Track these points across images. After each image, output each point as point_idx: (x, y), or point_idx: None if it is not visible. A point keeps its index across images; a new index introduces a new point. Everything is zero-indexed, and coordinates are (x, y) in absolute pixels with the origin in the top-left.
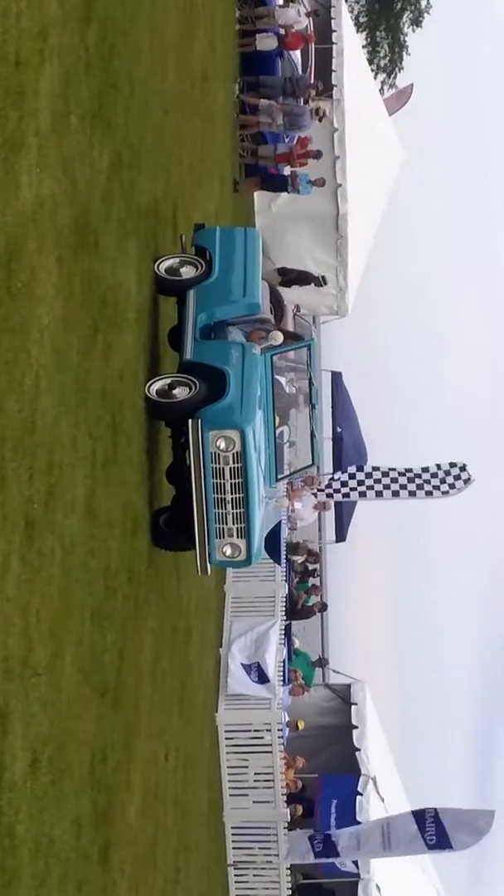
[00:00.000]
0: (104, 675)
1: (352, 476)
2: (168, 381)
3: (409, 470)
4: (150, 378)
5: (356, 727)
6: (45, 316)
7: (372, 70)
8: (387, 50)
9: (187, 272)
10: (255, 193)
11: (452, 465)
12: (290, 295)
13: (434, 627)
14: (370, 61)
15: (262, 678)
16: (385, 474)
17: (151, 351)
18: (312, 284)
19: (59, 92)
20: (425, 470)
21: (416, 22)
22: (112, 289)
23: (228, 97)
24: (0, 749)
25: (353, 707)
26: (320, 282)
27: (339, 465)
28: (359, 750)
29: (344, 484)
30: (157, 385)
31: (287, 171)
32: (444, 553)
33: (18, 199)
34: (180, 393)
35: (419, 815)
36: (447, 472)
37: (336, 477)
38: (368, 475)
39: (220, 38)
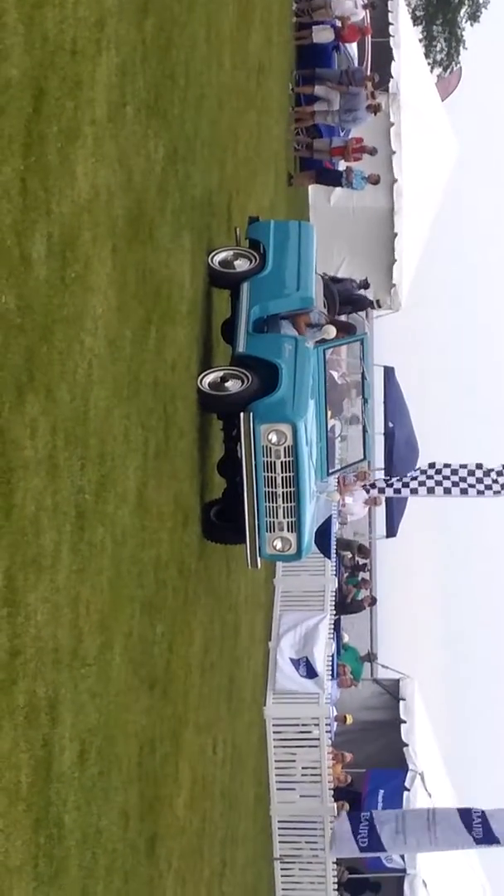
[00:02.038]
0: (153, 667)
1: (404, 477)
2: (220, 373)
3: (464, 466)
4: (202, 370)
5: (404, 722)
6: (99, 306)
7: (428, 64)
8: (443, 44)
9: (241, 265)
10: (310, 187)
11: None
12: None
13: (485, 624)
14: (426, 55)
15: (311, 673)
16: (438, 472)
17: (204, 343)
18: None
19: (116, 82)
20: (479, 467)
21: (474, 17)
22: (166, 280)
23: (284, 90)
24: (49, 739)
25: (401, 702)
26: (376, 305)
27: (390, 460)
28: (407, 745)
29: (397, 479)
30: (210, 377)
31: (342, 166)
32: (496, 550)
33: (74, 189)
34: (232, 386)
35: (465, 814)
36: (500, 473)
37: (387, 477)
38: (423, 472)
39: (277, 30)
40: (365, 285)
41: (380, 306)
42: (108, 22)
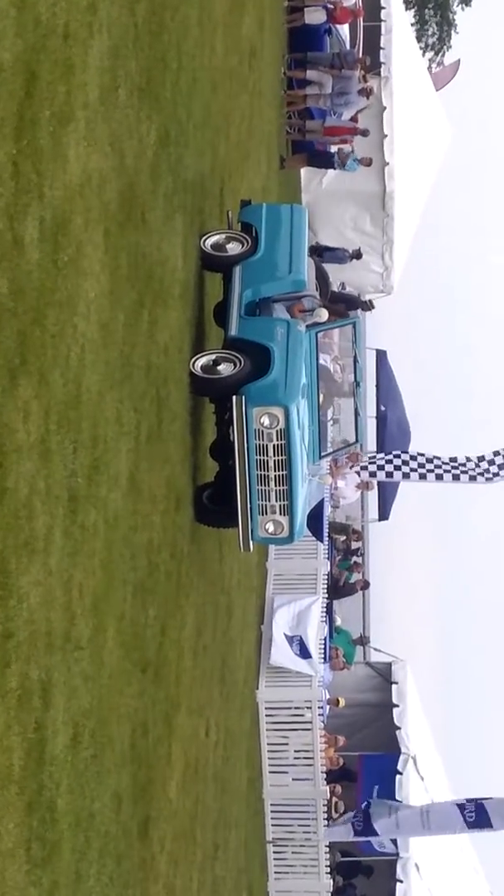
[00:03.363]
0: (146, 651)
1: (396, 456)
2: (213, 356)
3: (454, 459)
4: (194, 354)
5: (397, 706)
6: (92, 290)
7: (420, 48)
8: (435, 28)
9: (233, 248)
10: (302, 170)
11: (497, 453)
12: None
13: (477, 607)
14: (418, 39)
15: (305, 653)
16: (429, 460)
17: (196, 326)
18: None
19: (108, 66)
20: (468, 459)
21: (466, 1)
22: (158, 264)
23: (276, 73)
24: (42, 723)
25: (393, 686)
26: (368, 306)
27: (382, 443)
28: (399, 728)
29: (388, 462)
30: (202, 361)
31: (334, 148)
32: (488, 534)
33: (66, 172)
34: (225, 369)
35: (460, 804)
36: (491, 462)
37: (380, 456)
38: (413, 458)
39: (269, 13)
40: (358, 255)
41: (373, 307)
42: (101, 5)
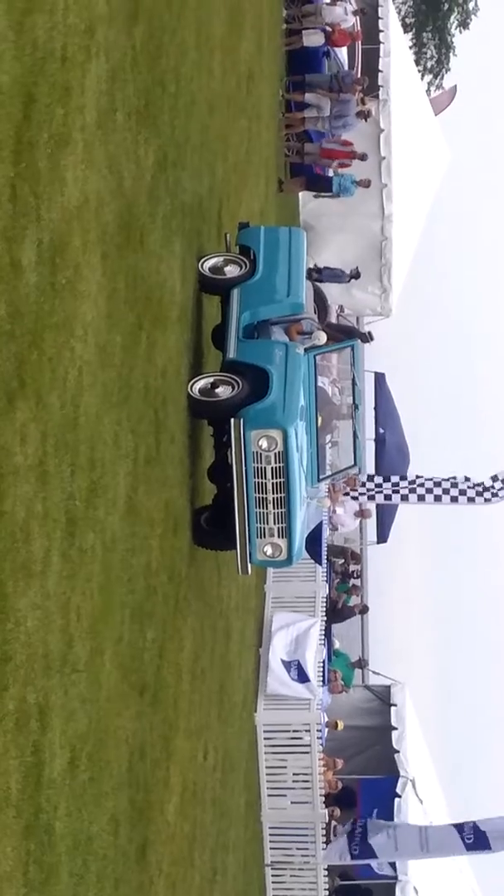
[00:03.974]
0: (143, 674)
1: (395, 484)
2: (211, 379)
3: (453, 478)
4: (193, 376)
5: (395, 728)
6: (89, 313)
7: (418, 71)
8: (433, 51)
9: (231, 271)
10: (300, 193)
11: (494, 478)
12: (334, 293)
13: (476, 631)
14: (416, 62)
15: (302, 677)
16: (429, 481)
17: (195, 349)
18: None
19: (106, 89)
20: (467, 479)
21: (464, 24)
22: (156, 286)
23: (274, 96)
24: (40, 745)
25: (392, 708)
26: (367, 337)
27: (381, 466)
28: (398, 752)
29: (386, 486)
30: (200, 383)
31: (331, 172)
32: (486, 556)
33: (64, 195)
34: (223, 392)
35: (458, 826)
36: (490, 486)
37: (378, 481)
38: (411, 482)
39: (267, 36)
40: (356, 275)
41: (372, 339)
42: (98, 29)
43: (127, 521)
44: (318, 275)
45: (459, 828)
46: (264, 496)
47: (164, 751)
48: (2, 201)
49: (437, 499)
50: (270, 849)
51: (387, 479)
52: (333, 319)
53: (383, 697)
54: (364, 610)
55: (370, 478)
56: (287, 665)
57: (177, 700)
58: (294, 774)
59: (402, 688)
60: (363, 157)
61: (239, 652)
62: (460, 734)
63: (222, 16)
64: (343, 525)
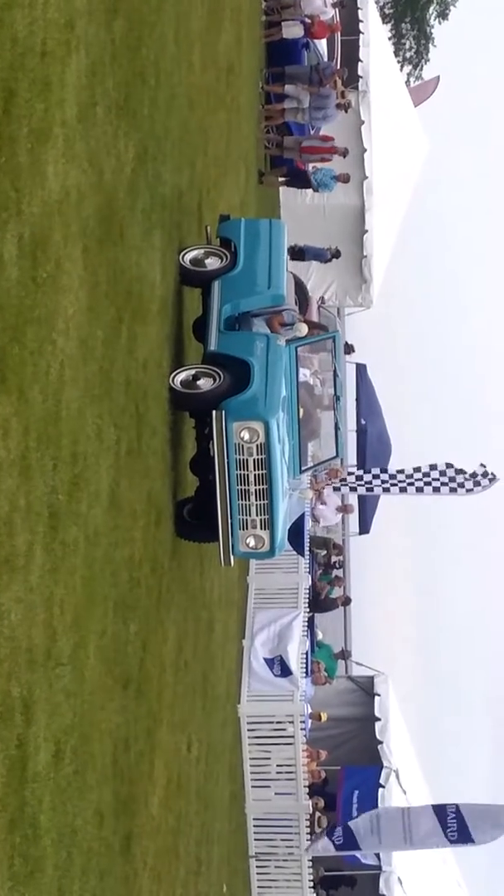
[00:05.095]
0: (127, 666)
1: (375, 476)
2: (192, 371)
3: (434, 467)
4: (174, 369)
5: (378, 719)
6: (71, 306)
7: (398, 62)
8: (412, 42)
9: (212, 263)
10: (281, 189)
11: (483, 465)
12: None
13: (458, 620)
14: (396, 53)
15: (285, 671)
16: (410, 475)
17: (176, 342)
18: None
19: (86, 83)
20: (449, 466)
21: (443, 15)
22: (137, 279)
23: (254, 89)
24: (24, 739)
25: (375, 699)
26: (347, 349)
27: (362, 457)
28: (381, 742)
29: (367, 478)
30: (182, 376)
31: (312, 167)
32: (468, 546)
33: (44, 189)
34: (204, 384)
35: (440, 810)
36: (473, 475)
37: (359, 473)
38: (392, 476)
39: (247, 29)
40: (337, 254)
41: (353, 350)
42: (78, 23)
43: (109, 515)
44: (300, 253)
45: (441, 810)
46: (246, 488)
47: (148, 743)
48: None
49: (419, 490)
50: (255, 840)
51: (367, 472)
52: (314, 314)
53: (366, 688)
54: (347, 602)
55: (350, 472)
56: (270, 662)
57: (160, 692)
58: (278, 766)
59: (385, 678)
60: (344, 154)
61: (222, 643)
62: (443, 724)
63: (201, 9)
64: (325, 519)
